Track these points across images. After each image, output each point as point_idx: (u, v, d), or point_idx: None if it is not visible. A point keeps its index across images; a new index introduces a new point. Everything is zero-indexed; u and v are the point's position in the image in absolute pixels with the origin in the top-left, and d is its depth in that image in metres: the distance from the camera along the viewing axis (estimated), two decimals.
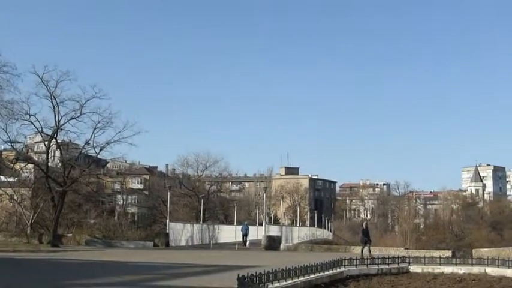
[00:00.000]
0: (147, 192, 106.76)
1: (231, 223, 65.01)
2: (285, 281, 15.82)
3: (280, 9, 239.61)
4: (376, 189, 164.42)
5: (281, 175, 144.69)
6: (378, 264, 21.03)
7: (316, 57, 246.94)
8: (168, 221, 51.25)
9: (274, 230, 58.66)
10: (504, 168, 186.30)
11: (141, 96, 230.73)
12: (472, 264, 21.32)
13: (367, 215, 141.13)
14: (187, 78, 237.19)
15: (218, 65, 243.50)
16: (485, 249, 42.71)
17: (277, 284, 14.98)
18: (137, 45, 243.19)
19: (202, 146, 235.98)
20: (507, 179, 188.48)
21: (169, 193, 55.24)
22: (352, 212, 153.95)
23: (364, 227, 34.50)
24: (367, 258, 25.28)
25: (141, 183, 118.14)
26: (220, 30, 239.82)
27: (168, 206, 54.95)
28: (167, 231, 49.63)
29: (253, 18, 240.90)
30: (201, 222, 59.62)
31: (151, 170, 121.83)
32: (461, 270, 20.42)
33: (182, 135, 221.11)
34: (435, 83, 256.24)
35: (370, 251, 31.40)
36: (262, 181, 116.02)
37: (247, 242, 52.85)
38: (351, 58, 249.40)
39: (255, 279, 14.63)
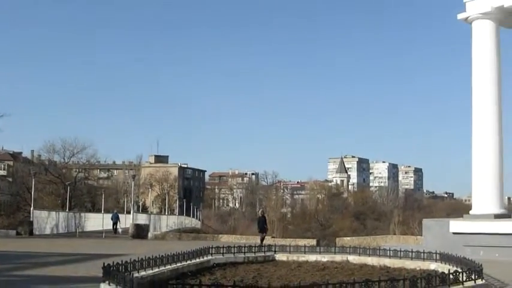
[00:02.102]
0: (10, 179, 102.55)
1: (99, 211, 63.85)
2: (152, 269, 15.67)
3: None
4: (245, 178, 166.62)
5: (150, 163, 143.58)
6: (244, 252, 21.28)
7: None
8: (32, 208, 49.70)
9: (142, 219, 58.55)
10: (368, 160, 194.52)
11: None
12: (335, 253, 21.97)
13: (235, 204, 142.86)
14: (51, 61, 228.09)
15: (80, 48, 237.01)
16: (348, 238, 44.37)
17: (143, 273, 14.82)
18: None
19: (70, 132, 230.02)
20: (370, 171, 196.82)
21: (33, 180, 53.52)
22: (221, 200, 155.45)
23: (261, 215, 35.03)
24: (260, 246, 25.75)
25: (4, 169, 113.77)
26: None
27: (33, 194, 53.15)
28: (31, 219, 48.15)
29: None
30: (67, 210, 58.28)
31: (15, 156, 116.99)
32: (324, 258, 21.01)
33: (49, 120, 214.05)
34: (303, 84, 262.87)
35: (262, 240, 31.53)
36: (131, 169, 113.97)
37: (119, 230, 52.50)
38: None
39: (120, 267, 14.42)
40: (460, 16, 27.92)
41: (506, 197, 29.92)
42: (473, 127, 27.22)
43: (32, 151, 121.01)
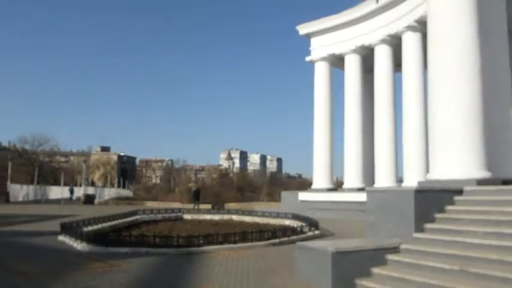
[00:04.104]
0: None
1: (59, 185, 60.79)
2: (96, 225, 15.26)
3: None
4: (164, 162, 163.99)
5: (97, 151, 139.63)
6: (162, 213, 21.00)
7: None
8: (8, 182, 46.50)
9: (90, 190, 56.46)
10: (246, 152, 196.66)
11: None
12: (223, 214, 22.13)
13: (157, 181, 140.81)
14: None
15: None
16: (233, 203, 44.60)
17: (90, 228, 14.38)
18: None
19: (38, 127, 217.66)
20: (248, 159, 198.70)
21: (10, 163, 50.17)
22: (147, 178, 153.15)
23: (195, 189, 34.56)
24: (196, 209, 26.08)
25: None
26: None
27: (9, 172, 49.85)
28: (8, 191, 45.12)
29: None
30: (35, 184, 55.12)
31: None
32: (216, 217, 21.09)
33: (24, 117, 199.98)
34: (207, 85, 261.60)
35: (198, 206, 30.70)
36: (83, 155, 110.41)
37: (73, 198, 50.66)
38: None
39: (73, 224, 14.04)
40: (307, 58, 28.63)
41: (335, 177, 31.14)
42: (315, 131, 28.01)
43: (9, 141, 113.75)
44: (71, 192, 52.65)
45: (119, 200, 54.53)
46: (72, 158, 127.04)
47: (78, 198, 49.54)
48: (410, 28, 22.14)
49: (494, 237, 7.70)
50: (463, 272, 6.92)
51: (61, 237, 13.36)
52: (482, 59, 11.22)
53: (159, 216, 20.48)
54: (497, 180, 10.65)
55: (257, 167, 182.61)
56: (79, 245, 11.71)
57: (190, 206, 32.10)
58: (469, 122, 10.93)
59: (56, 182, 73.63)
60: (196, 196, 33.63)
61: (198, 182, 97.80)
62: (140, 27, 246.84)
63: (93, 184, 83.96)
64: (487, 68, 11.37)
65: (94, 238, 11.87)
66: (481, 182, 10.31)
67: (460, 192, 9.77)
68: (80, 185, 62.11)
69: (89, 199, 46.53)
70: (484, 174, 10.68)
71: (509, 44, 12.69)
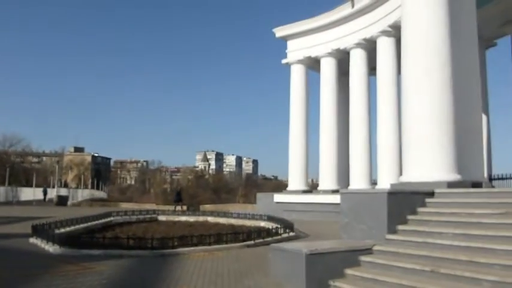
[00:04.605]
0: None
1: (31, 186, 59.53)
2: (69, 227, 15.00)
3: None
4: (139, 164, 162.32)
5: (71, 152, 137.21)
6: (136, 214, 20.80)
7: None
8: None
9: (63, 191, 55.50)
10: (222, 153, 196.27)
11: None
12: (199, 215, 22.05)
13: (132, 182, 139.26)
14: None
15: None
16: (208, 205, 44.51)
17: (63, 230, 14.13)
18: None
19: (9, 127, 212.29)
20: (224, 161, 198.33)
21: None
22: (122, 179, 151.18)
23: (178, 190, 34.13)
24: (179, 210, 25.57)
25: None
26: None
27: None
28: None
29: None
30: (6, 185, 53.87)
31: None
32: (191, 218, 21.01)
33: None
34: (186, 88, 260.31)
35: (181, 207, 30.36)
36: (56, 156, 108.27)
37: (47, 199, 49.60)
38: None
39: (45, 226, 13.78)
40: (284, 61, 28.77)
41: (310, 179, 31.41)
42: (290, 133, 28.13)
43: None
44: (45, 193, 51.54)
45: (92, 201, 53.73)
46: (44, 158, 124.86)
47: (51, 200, 48.63)
48: (384, 33, 22.48)
49: (463, 239, 7.88)
50: (434, 272, 7.06)
51: (32, 240, 13.10)
52: (453, 64, 11.46)
53: (134, 218, 20.28)
54: (467, 183, 10.89)
55: (233, 168, 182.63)
56: (51, 248, 11.50)
57: (166, 207, 31.90)
58: (440, 126, 11.14)
59: (28, 183, 72.11)
60: (179, 197, 33.37)
61: (174, 183, 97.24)
62: (117, 26, 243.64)
63: (66, 185, 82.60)
64: (458, 74, 11.61)
65: (66, 240, 11.67)
66: (451, 184, 10.52)
67: (431, 194, 9.95)
68: (53, 186, 60.97)
69: (61, 200, 45.79)
70: (454, 177, 10.90)
71: (479, 49, 12.99)
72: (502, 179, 22.33)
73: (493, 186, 16.40)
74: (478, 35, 12.97)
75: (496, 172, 23.11)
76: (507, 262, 6.66)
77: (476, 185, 11.12)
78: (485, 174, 15.54)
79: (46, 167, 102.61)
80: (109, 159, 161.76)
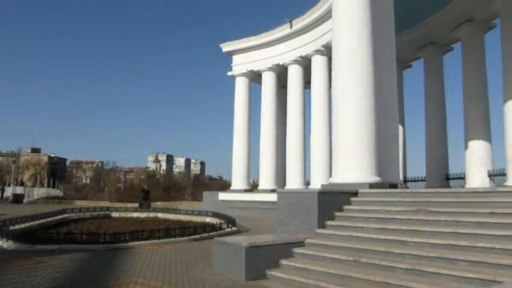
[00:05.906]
0: None
1: None
2: (24, 224, 14.26)
3: None
4: (94, 164, 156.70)
5: (28, 153, 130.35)
6: (90, 211, 20.08)
7: None
8: None
9: (19, 190, 52.58)
10: (173, 155, 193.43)
11: None
12: (150, 212, 21.60)
13: (87, 181, 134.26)
14: None
15: None
16: (159, 202, 43.64)
17: (17, 226, 13.42)
18: None
19: None
20: (174, 162, 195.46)
21: None
22: (78, 178, 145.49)
23: (145, 191, 32.72)
24: (144, 209, 24.01)
25: None
26: None
27: None
28: None
29: None
30: None
31: None
32: (143, 215, 20.55)
33: None
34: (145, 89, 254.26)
35: (149, 206, 29.18)
36: (13, 156, 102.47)
37: (4, 197, 47.14)
38: None
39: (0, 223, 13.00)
40: (229, 73, 28.75)
41: (252, 179, 31.59)
42: (234, 138, 28.13)
43: None
44: (2, 191, 48.72)
45: (48, 199, 51.20)
46: (1, 158, 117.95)
47: (7, 198, 46.00)
48: (318, 52, 23.05)
49: (381, 232, 8.21)
50: (356, 262, 7.32)
51: None
52: (374, 81, 11.93)
53: (88, 215, 19.54)
54: (386, 184, 11.37)
55: (182, 169, 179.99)
56: (5, 243, 10.89)
57: (119, 204, 30.94)
58: (363, 134, 11.55)
59: None
60: (145, 196, 32.42)
61: (127, 182, 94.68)
62: (73, 29, 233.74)
63: (22, 184, 78.44)
64: (379, 90, 12.09)
65: (21, 236, 11.10)
66: (372, 185, 10.93)
67: (355, 194, 10.30)
68: (9, 185, 57.73)
69: (17, 198, 43.41)
70: (375, 179, 11.33)
71: (397, 70, 13.58)
72: (415, 181, 23.56)
73: (407, 187, 17.16)
74: (396, 57, 13.60)
75: (410, 175, 24.35)
76: (417, 252, 7.00)
77: (393, 186, 11.63)
78: (401, 177, 16.27)
79: (3, 167, 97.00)
80: (65, 159, 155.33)
